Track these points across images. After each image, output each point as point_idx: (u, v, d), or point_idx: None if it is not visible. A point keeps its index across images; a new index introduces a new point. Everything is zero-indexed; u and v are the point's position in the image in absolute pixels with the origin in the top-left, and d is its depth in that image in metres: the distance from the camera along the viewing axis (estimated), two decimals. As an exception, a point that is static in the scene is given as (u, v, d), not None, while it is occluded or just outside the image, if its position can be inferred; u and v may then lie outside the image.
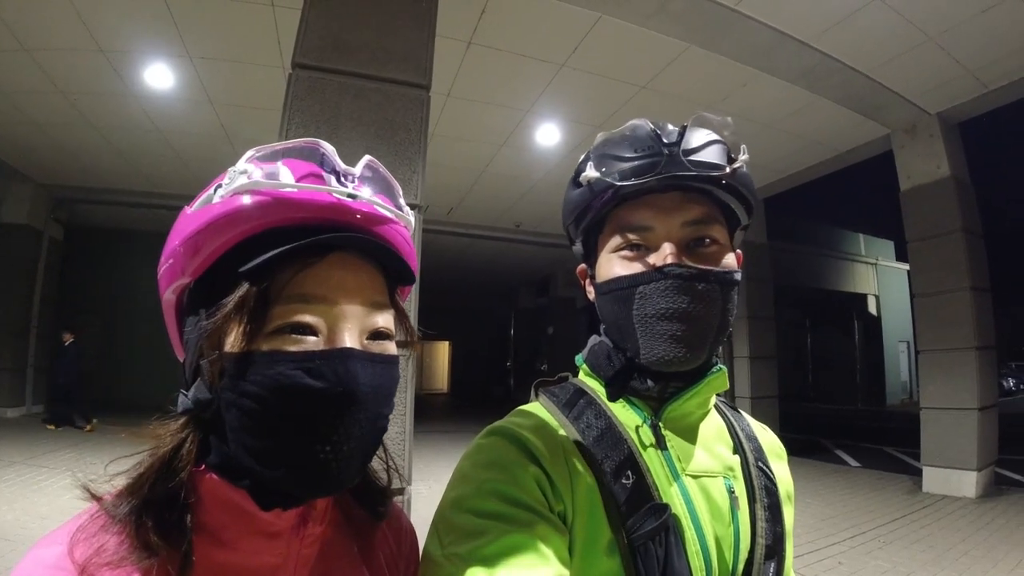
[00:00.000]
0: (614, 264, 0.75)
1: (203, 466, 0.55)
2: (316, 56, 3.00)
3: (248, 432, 0.53)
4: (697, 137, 0.72)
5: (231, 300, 0.53)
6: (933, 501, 6.04)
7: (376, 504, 0.70)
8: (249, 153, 0.59)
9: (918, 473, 6.86)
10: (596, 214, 0.78)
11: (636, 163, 0.71)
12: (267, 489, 0.56)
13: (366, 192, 0.60)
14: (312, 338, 0.54)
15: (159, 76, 6.32)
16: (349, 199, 0.58)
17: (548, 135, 7.63)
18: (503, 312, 23.35)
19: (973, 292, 6.47)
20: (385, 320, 0.60)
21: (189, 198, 0.60)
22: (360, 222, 0.58)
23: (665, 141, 0.71)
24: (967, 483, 6.17)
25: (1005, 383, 23.36)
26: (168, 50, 5.82)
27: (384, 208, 0.61)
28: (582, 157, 0.81)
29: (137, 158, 8.74)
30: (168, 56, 5.95)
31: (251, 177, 0.55)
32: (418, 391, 3.08)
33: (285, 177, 0.56)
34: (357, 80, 3.03)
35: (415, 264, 0.67)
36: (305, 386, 0.52)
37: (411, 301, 2.90)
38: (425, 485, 5.19)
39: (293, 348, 0.53)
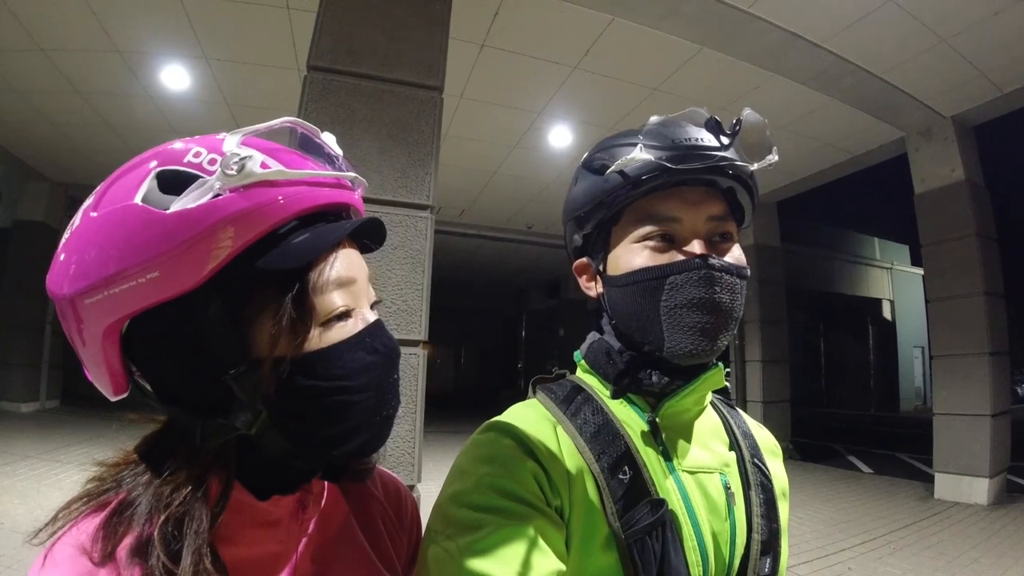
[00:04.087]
0: (636, 255, 0.74)
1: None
2: (330, 59, 3.04)
3: (326, 424, 0.55)
4: (739, 134, 0.73)
5: (278, 299, 0.52)
6: (944, 508, 5.99)
7: (353, 467, 0.71)
8: (235, 136, 0.54)
9: (930, 479, 6.79)
10: (620, 203, 0.76)
11: (684, 151, 0.71)
12: (267, 475, 0.58)
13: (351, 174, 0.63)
14: (349, 320, 0.58)
15: (175, 77, 6.38)
16: (350, 183, 0.62)
17: (560, 137, 7.63)
18: (514, 313, 23.34)
19: (987, 297, 6.41)
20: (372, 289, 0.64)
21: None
22: (357, 203, 0.62)
23: (727, 131, 0.72)
24: (979, 490, 6.11)
25: (1018, 389, 23.07)
26: (184, 51, 5.88)
27: (362, 181, 0.65)
28: (595, 147, 0.81)
29: (153, 158, 8.76)
30: (184, 57, 6.01)
31: (256, 162, 0.52)
32: (428, 390, 3.07)
33: (301, 163, 0.57)
34: (371, 82, 3.06)
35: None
36: (371, 362, 0.57)
37: (422, 301, 2.92)
38: (436, 484, 5.19)
39: (349, 332, 0.57)
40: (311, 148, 0.62)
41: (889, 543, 4.81)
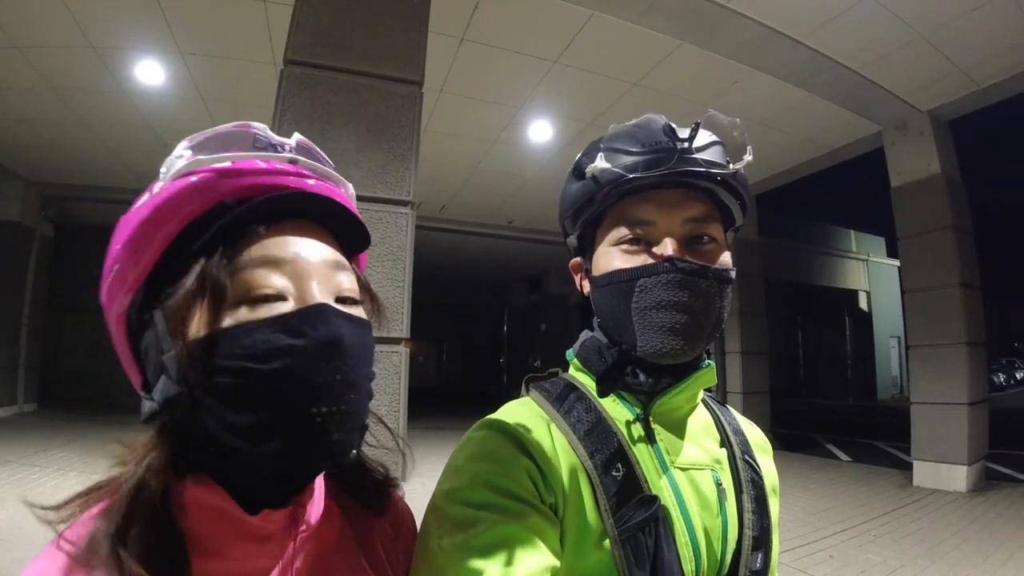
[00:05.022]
0: (614, 257, 0.76)
1: (186, 477, 0.52)
2: (308, 53, 3.00)
3: (234, 410, 0.49)
4: (704, 136, 0.73)
5: (190, 278, 0.51)
6: (924, 495, 6.08)
7: (373, 497, 0.69)
8: (183, 143, 0.57)
9: (909, 467, 6.90)
10: (598, 207, 0.78)
11: (648, 157, 0.71)
12: (257, 487, 0.55)
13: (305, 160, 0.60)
14: (283, 303, 0.52)
15: (150, 73, 6.27)
16: (290, 164, 0.58)
17: (540, 132, 7.62)
18: (496, 308, 23.35)
19: (963, 289, 6.51)
20: (350, 282, 0.59)
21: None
22: (308, 188, 0.58)
23: (680, 137, 0.72)
24: (957, 477, 6.21)
25: (996, 379, 23.50)
26: (159, 47, 5.78)
27: (326, 171, 0.62)
28: (583, 150, 0.81)
29: (128, 155, 8.66)
30: (159, 52, 5.91)
31: (186, 159, 0.55)
32: (410, 387, 3.07)
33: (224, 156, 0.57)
34: (349, 76, 3.03)
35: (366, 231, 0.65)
36: (287, 346, 0.50)
37: (404, 298, 2.91)
38: (419, 482, 5.18)
39: (266, 315, 0.51)
40: (262, 146, 0.60)
41: (870, 531, 4.87)
